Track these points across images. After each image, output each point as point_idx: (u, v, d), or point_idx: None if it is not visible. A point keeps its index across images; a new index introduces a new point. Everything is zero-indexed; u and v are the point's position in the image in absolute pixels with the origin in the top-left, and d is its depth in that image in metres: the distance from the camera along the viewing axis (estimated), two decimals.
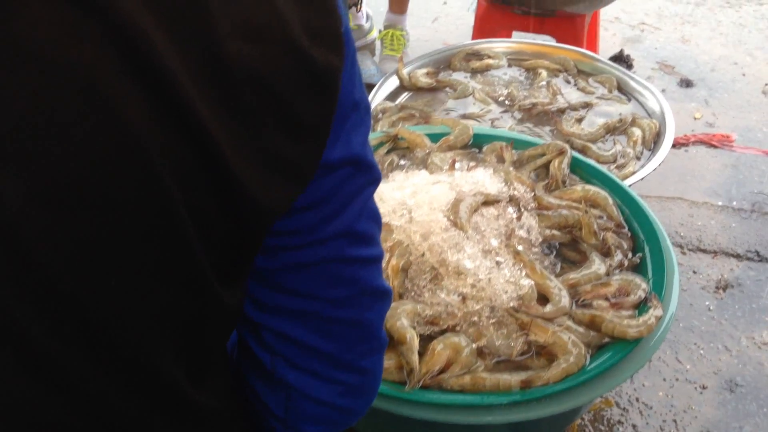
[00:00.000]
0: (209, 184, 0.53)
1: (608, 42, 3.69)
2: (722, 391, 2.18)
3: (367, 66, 3.06)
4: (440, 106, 1.82)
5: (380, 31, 3.68)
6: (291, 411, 0.71)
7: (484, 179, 1.24)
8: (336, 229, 0.64)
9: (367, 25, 3.79)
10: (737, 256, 2.58)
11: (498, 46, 2.03)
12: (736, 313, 2.41)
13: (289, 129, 0.57)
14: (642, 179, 1.55)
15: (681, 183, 2.87)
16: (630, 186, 1.52)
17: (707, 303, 2.45)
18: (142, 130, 0.49)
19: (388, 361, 1.01)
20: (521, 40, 2.06)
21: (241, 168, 0.54)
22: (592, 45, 2.84)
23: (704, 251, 2.62)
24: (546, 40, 2.17)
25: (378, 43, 3.67)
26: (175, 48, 0.50)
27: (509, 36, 2.90)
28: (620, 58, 3.52)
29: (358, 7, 3.59)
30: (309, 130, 0.59)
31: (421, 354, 1.02)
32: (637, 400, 2.05)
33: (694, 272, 2.54)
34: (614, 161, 1.62)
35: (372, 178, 0.66)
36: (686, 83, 3.40)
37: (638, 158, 1.62)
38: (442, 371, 1.01)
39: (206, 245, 0.55)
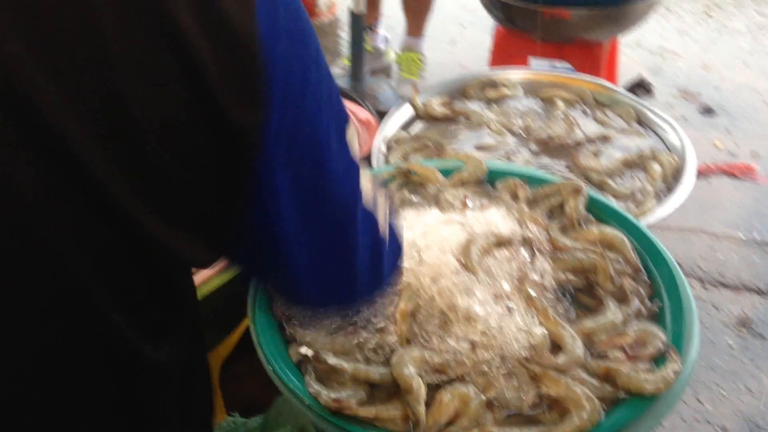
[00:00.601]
0: None
1: (628, 68, 3.65)
2: None
3: (383, 90, 3.03)
4: (455, 136, 1.79)
5: (397, 54, 3.67)
6: None
7: (497, 219, 1.20)
8: None
9: (384, 48, 3.79)
10: (760, 292, 2.51)
11: (514, 75, 1.99)
12: (758, 352, 2.35)
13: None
14: (662, 218, 1.50)
15: (702, 214, 2.82)
16: (649, 225, 1.48)
17: (729, 341, 2.38)
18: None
19: (394, 411, 0.97)
20: (538, 70, 2.02)
21: None
22: (611, 72, 2.80)
23: (726, 286, 2.56)
24: (564, 66, 2.13)
25: (395, 66, 3.65)
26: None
27: (526, 62, 2.87)
28: (640, 85, 3.48)
29: (374, 29, 3.58)
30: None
31: (427, 404, 0.98)
32: None
33: (716, 308, 2.48)
34: (632, 197, 1.57)
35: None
36: (707, 111, 3.35)
37: (658, 195, 1.57)
38: (449, 423, 0.96)
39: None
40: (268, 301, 1.14)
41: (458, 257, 1.10)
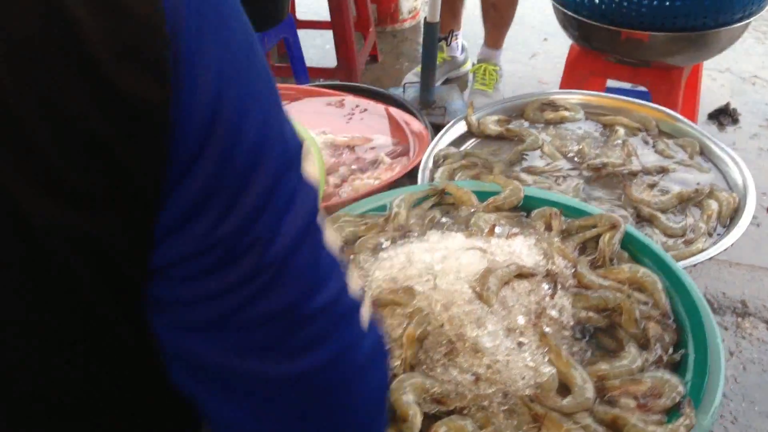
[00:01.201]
0: None
1: (715, 93, 3.49)
2: None
3: (453, 100, 3.01)
4: (506, 156, 1.75)
5: (473, 65, 3.63)
6: None
7: (522, 249, 1.17)
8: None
9: (461, 57, 3.75)
10: None
11: (576, 97, 1.94)
12: None
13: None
14: (710, 259, 1.43)
15: None
16: (696, 265, 1.41)
17: None
18: None
19: None
20: (601, 93, 1.95)
21: None
22: (691, 99, 2.69)
23: None
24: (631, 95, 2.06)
25: (470, 77, 3.62)
26: None
27: (602, 83, 2.79)
28: (725, 111, 3.32)
29: (448, 42, 3.55)
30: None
31: None
32: None
33: None
34: (683, 235, 1.50)
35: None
36: None
37: (710, 234, 1.50)
38: None
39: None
40: None
41: (473, 286, 1.07)
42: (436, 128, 2.32)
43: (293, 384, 0.61)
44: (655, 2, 2.13)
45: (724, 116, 3.30)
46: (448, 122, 2.61)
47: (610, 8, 2.23)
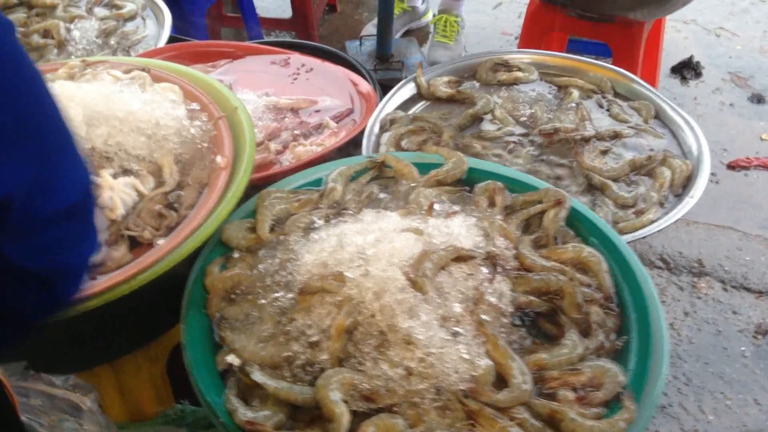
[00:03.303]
0: None
1: (679, 45, 3.43)
2: None
3: (412, 54, 2.90)
4: (457, 121, 1.67)
5: (434, 15, 3.51)
6: None
7: (461, 230, 1.10)
8: None
9: (422, 8, 3.62)
10: None
11: (529, 57, 1.85)
12: None
13: None
14: (659, 231, 1.38)
15: (735, 211, 2.64)
16: (645, 237, 1.37)
17: (743, 348, 2.25)
18: None
19: None
20: (556, 53, 1.87)
21: None
22: (653, 54, 2.62)
23: (748, 290, 2.41)
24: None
25: (431, 28, 3.50)
26: None
27: (563, 39, 2.70)
28: (688, 65, 3.27)
29: None
30: None
31: None
32: None
33: (734, 312, 2.34)
34: (634, 205, 1.45)
35: None
36: (758, 99, 3.13)
37: (662, 204, 1.45)
38: None
39: None
40: (203, 298, 1.08)
41: (407, 273, 1.01)
42: (393, 83, 2.23)
43: None
44: None
45: (687, 70, 3.24)
46: (405, 77, 2.52)
47: None
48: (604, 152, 1.57)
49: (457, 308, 1.01)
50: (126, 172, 1.15)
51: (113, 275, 1.01)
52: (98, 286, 1.00)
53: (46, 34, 1.90)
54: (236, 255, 1.14)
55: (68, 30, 1.90)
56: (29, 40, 1.88)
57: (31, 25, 1.93)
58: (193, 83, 1.36)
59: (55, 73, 1.35)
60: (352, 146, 1.63)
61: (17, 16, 1.97)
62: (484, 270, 1.07)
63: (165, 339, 1.27)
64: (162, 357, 1.27)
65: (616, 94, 1.77)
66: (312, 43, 2.11)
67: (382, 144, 1.59)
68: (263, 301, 1.05)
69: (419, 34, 3.57)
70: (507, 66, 1.84)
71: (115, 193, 1.10)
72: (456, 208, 1.18)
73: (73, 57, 1.82)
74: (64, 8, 2.00)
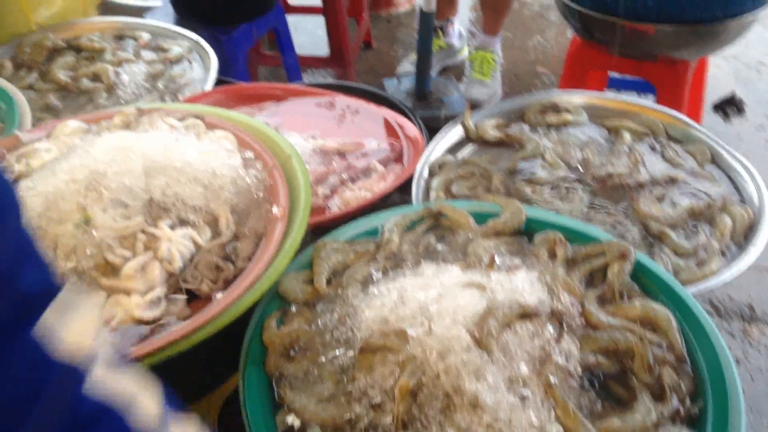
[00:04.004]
0: None
1: (720, 81, 3.38)
2: None
3: (449, 92, 2.89)
4: (506, 164, 1.65)
5: (471, 52, 3.51)
6: None
7: (525, 285, 1.07)
8: None
9: (458, 44, 3.63)
10: None
11: (578, 99, 1.83)
12: None
13: None
14: (724, 284, 1.33)
15: None
16: (710, 289, 1.32)
17: None
18: None
19: None
20: (605, 95, 1.85)
21: None
22: (697, 92, 2.58)
23: None
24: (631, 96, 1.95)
25: (467, 65, 3.50)
26: None
27: (603, 77, 2.68)
28: (730, 102, 3.22)
29: (444, 31, 3.43)
30: None
31: None
32: None
33: None
34: (695, 254, 1.41)
35: None
36: None
37: (723, 254, 1.40)
38: None
39: None
40: (261, 353, 1.06)
41: (472, 332, 0.98)
42: (433, 121, 2.21)
43: None
44: None
45: (729, 106, 3.19)
46: (445, 116, 2.50)
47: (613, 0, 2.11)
48: (660, 198, 1.54)
49: (524, 369, 0.97)
50: (183, 222, 1.14)
51: (173, 331, 0.99)
52: (157, 343, 0.98)
53: (95, 77, 1.91)
54: (293, 309, 1.12)
55: (117, 74, 1.91)
56: (79, 83, 1.90)
57: (81, 69, 1.95)
58: (247, 131, 1.36)
59: (111, 121, 1.36)
60: (401, 191, 1.61)
61: (66, 60, 2.00)
62: (550, 328, 1.03)
63: (216, 392, 1.24)
64: (213, 411, 1.25)
65: (669, 137, 1.73)
66: (356, 84, 2.10)
67: (432, 189, 1.57)
68: (323, 359, 1.03)
69: (456, 71, 3.57)
70: (556, 108, 1.81)
71: (174, 245, 1.09)
72: (517, 261, 1.15)
73: (122, 101, 1.83)
74: (112, 52, 2.02)
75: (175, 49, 2.05)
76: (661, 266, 1.20)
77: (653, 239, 1.45)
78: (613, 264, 1.16)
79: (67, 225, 1.07)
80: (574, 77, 2.54)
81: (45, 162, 1.22)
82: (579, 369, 1.00)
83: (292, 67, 3.11)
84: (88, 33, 2.12)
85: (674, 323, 1.07)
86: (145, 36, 2.14)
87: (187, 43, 2.09)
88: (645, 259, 1.19)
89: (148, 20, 2.27)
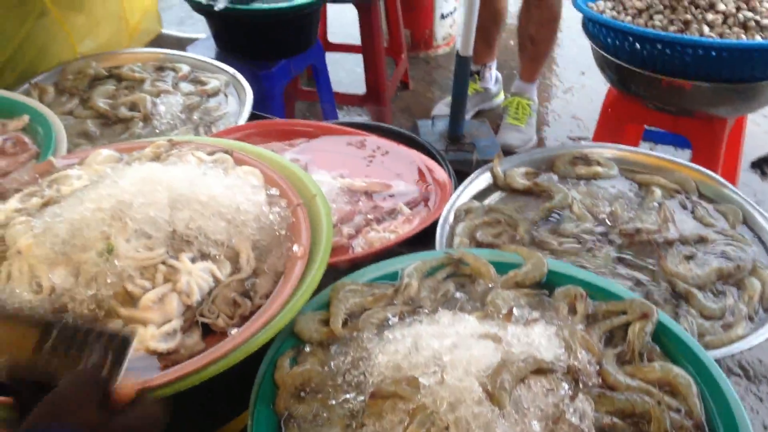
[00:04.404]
0: None
1: (757, 140, 3.34)
2: None
3: (483, 136, 2.90)
4: (532, 213, 1.64)
5: (506, 98, 3.52)
6: None
7: (542, 340, 1.05)
8: None
9: (494, 89, 3.65)
10: None
11: (609, 152, 1.82)
12: None
13: None
14: (750, 349, 1.30)
15: None
16: (734, 355, 1.29)
17: None
18: None
19: None
20: (637, 149, 1.83)
21: None
22: (734, 150, 2.55)
23: None
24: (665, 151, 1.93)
25: (503, 110, 3.51)
26: None
27: (638, 129, 2.66)
28: (766, 161, 3.18)
29: (481, 75, 3.46)
30: None
31: None
32: None
33: None
34: (721, 317, 1.37)
35: None
36: None
37: (751, 318, 1.37)
38: None
39: None
40: (272, 392, 1.05)
41: (485, 385, 0.96)
42: (464, 164, 2.21)
43: None
44: (700, 52, 2.00)
45: (765, 165, 3.14)
46: (477, 160, 2.49)
47: (651, 54, 2.11)
48: (689, 257, 1.51)
49: (536, 427, 0.95)
50: (204, 256, 1.15)
51: (185, 365, 1.00)
52: (168, 375, 0.98)
53: (133, 106, 1.96)
54: (307, 349, 1.12)
55: (154, 104, 1.96)
56: (117, 111, 1.94)
57: (120, 97, 2.00)
58: (274, 168, 1.37)
59: (143, 151, 1.38)
60: (425, 235, 1.61)
61: (107, 88, 2.05)
62: (565, 385, 1.01)
63: (226, 429, 1.24)
64: None
65: (701, 195, 1.71)
66: (388, 125, 2.12)
67: (457, 235, 1.57)
68: (333, 402, 1.02)
69: (491, 115, 3.58)
70: (586, 160, 1.80)
71: (193, 278, 1.10)
72: (536, 314, 1.13)
73: (157, 131, 1.87)
74: (152, 83, 2.07)
75: (213, 83, 2.09)
76: (684, 328, 1.18)
77: (679, 299, 1.42)
78: (635, 323, 1.14)
79: (91, 253, 1.09)
80: (609, 128, 2.53)
81: (75, 189, 1.25)
82: (593, 430, 0.98)
83: (328, 104, 3.15)
84: (131, 63, 2.18)
85: (694, 388, 1.04)
86: (185, 68, 2.19)
87: (224, 77, 2.13)
88: (668, 320, 1.16)
89: (189, 53, 2.32)
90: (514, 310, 1.12)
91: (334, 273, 1.31)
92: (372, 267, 1.28)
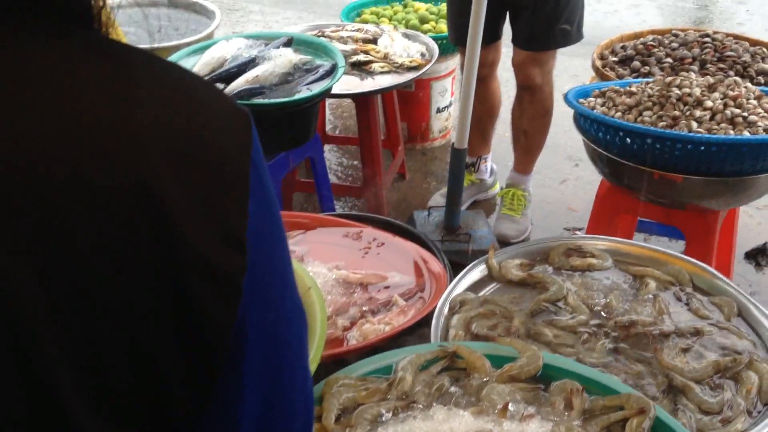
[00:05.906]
0: None
1: (751, 231, 3.37)
2: None
3: (479, 227, 2.93)
4: (527, 305, 1.64)
5: (502, 188, 3.57)
6: None
7: None
8: None
9: (490, 180, 3.70)
10: None
11: (603, 244, 1.84)
12: None
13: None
14: None
15: None
16: None
17: None
18: None
19: None
20: (631, 242, 1.85)
21: None
22: (727, 241, 2.57)
23: None
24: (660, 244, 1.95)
25: (498, 200, 3.55)
26: None
27: (632, 221, 2.69)
28: (763, 251, 3.19)
29: (476, 168, 3.52)
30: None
31: None
32: None
33: None
34: (720, 412, 1.36)
35: None
36: None
37: (749, 413, 1.35)
38: None
39: None
40: None
41: None
42: (460, 255, 2.22)
43: None
44: (689, 146, 2.05)
45: (761, 256, 3.16)
46: (472, 250, 2.51)
47: (642, 149, 2.16)
48: (685, 350, 1.50)
49: None
50: None
51: None
52: None
53: None
54: None
55: None
56: None
57: None
58: None
59: None
60: (420, 326, 1.60)
61: None
62: None
63: None
64: None
65: (695, 288, 1.72)
66: (384, 217, 2.15)
67: (452, 327, 1.56)
68: None
69: (486, 206, 3.62)
70: (580, 251, 1.82)
71: None
72: (531, 410, 1.12)
73: None
74: None
75: None
76: (682, 424, 1.16)
77: (677, 393, 1.40)
78: (632, 419, 1.13)
79: None
80: (603, 219, 2.56)
81: None
82: None
83: (325, 195, 3.19)
84: None
85: None
86: None
87: None
88: (665, 416, 1.15)
89: None
90: (510, 405, 1.11)
91: (330, 364, 1.31)
92: (366, 360, 1.27)
